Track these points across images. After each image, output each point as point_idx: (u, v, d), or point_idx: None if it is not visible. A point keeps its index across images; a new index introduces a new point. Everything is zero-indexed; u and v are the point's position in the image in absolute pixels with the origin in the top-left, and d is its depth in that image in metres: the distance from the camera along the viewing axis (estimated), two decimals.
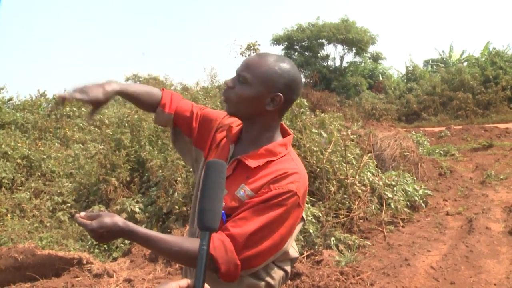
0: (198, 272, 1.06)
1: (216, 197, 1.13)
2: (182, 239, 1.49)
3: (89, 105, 1.60)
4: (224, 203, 1.43)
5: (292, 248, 1.57)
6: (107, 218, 1.33)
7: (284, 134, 1.60)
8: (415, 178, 7.63)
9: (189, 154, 1.80)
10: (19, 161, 7.99)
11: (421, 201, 6.63)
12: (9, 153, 8.03)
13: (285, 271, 1.55)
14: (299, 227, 1.56)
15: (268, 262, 1.46)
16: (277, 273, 1.52)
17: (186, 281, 1.07)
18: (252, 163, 1.47)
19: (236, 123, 1.66)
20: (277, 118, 1.54)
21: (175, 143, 1.86)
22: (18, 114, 11.75)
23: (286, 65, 1.48)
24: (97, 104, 1.60)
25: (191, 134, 1.76)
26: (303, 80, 22.74)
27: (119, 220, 1.35)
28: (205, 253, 1.07)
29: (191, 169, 1.96)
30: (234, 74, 1.54)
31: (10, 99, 14.59)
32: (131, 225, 1.36)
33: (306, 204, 5.18)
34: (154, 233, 1.40)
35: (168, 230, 5.37)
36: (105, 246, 5.47)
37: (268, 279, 1.49)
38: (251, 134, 1.55)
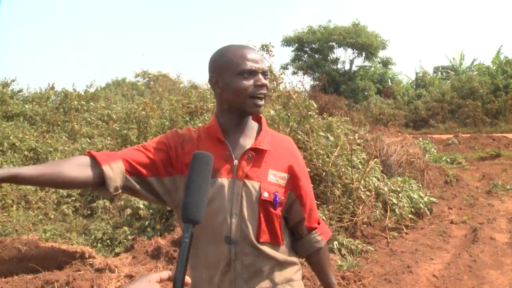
0: (180, 263, 1.05)
1: (201, 190, 1.12)
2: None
3: None
4: (267, 192, 1.50)
5: None
6: None
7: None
8: (420, 185, 7.60)
9: (159, 190, 1.53)
10: (26, 153, 8.04)
11: (425, 208, 6.59)
12: (17, 144, 8.08)
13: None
14: None
15: None
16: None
17: (167, 273, 1.07)
18: (266, 146, 1.56)
19: (192, 129, 1.62)
20: None
21: (139, 191, 1.51)
22: (27, 106, 11.83)
23: None
24: None
25: (155, 170, 1.52)
26: (312, 82, 22.81)
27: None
28: (187, 245, 1.06)
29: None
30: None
31: (20, 91, 14.71)
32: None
33: None
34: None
35: (171, 228, 5.38)
36: (108, 241, 5.49)
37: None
38: (245, 122, 1.59)
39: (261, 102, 1.52)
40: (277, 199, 1.52)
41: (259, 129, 1.61)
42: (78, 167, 1.37)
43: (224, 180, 1.50)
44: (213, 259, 1.51)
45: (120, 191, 1.46)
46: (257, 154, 1.54)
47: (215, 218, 1.48)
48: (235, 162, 1.52)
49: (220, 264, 1.50)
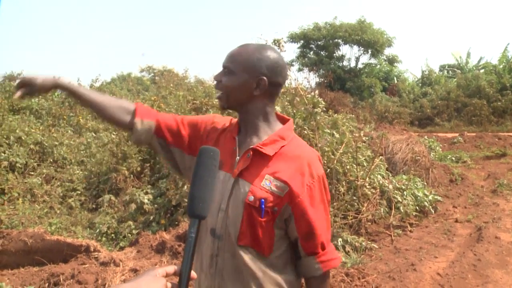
0: (186, 258, 1.05)
1: (207, 185, 1.12)
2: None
3: (30, 85, 1.60)
4: (253, 196, 1.44)
5: None
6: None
7: (283, 121, 1.61)
8: (425, 183, 7.59)
9: (180, 163, 1.69)
10: (32, 146, 8.08)
11: (430, 206, 6.58)
12: (23, 138, 8.12)
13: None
14: None
15: None
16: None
17: (173, 267, 1.07)
18: (269, 150, 1.48)
19: (228, 120, 1.67)
20: (269, 103, 1.56)
21: (161, 153, 1.72)
22: (33, 99, 11.87)
23: (266, 50, 1.52)
24: (36, 86, 1.61)
25: (180, 143, 1.66)
26: (318, 79, 22.70)
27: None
28: (193, 240, 1.06)
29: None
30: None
31: None
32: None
33: None
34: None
35: (176, 223, 5.40)
36: (112, 235, 5.52)
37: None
38: (250, 123, 1.55)
39: (218, 96, 1.55)
40: (263, 206, 1.43)
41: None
42: (121, 110, 1.63)
43: (222, 173, 1.50)
44: (203, 249, 1.53)
45: (144, 144, 1.70)
46: (258, 156, 1.48)
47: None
48: (237, 158, 1.51)
49: (207, 255, 1.51)
